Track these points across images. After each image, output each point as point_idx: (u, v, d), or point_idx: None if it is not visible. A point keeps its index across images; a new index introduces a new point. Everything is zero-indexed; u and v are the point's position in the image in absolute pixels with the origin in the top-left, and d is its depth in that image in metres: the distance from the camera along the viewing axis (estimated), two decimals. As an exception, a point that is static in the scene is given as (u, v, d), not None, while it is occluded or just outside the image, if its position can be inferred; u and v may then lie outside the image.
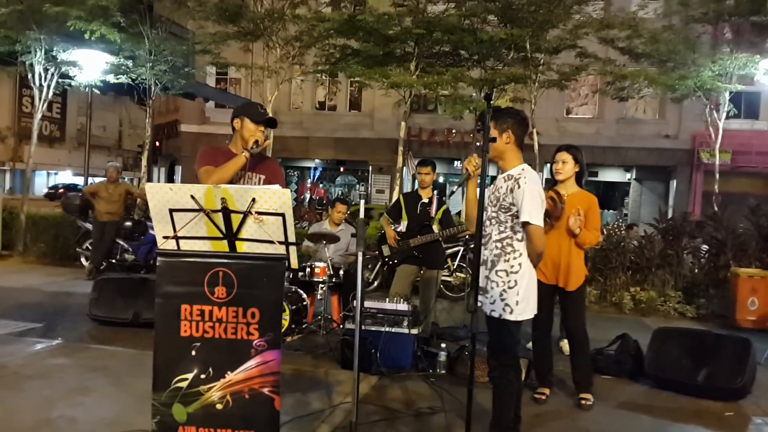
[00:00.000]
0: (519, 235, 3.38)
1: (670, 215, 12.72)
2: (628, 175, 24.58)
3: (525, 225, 3.33)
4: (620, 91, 13.45)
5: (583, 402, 4.63)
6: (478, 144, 13.25)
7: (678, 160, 22.71)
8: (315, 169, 28.42)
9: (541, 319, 4.79)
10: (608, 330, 6.40)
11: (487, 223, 3.48)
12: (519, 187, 3.34)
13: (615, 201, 24.56)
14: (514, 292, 3.35)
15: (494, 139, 3.38)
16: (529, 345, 6.30)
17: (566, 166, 4.64)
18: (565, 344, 6.33)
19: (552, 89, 13.40)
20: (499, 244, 3.40)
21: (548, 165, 5.75)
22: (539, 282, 4.74)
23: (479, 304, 3.39)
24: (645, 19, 12.53)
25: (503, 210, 3.39)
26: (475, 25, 12.02)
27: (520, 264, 3.38)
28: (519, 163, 3.47)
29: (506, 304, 3.36)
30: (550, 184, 4.81)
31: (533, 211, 3.30)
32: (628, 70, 12.66)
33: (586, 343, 4.78)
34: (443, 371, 5.24)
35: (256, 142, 3.47)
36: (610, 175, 24.16)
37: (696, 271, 9.19)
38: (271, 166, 3.74)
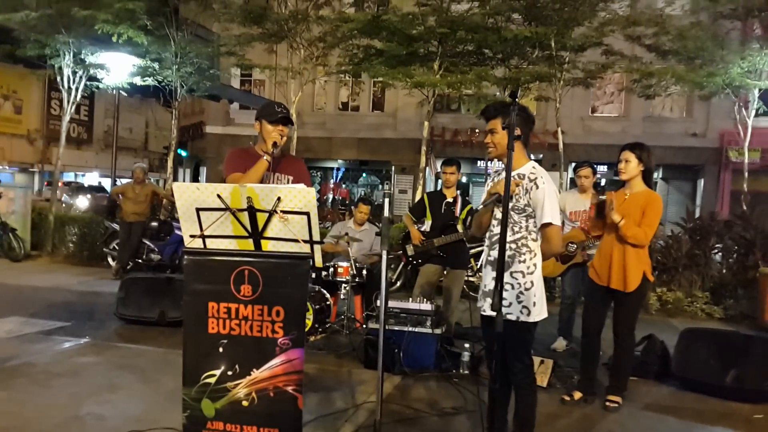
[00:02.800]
0: (534, 235, 3.32)
1: (697, 215, 12.52)
2: (655, 175, 24.22)
3: (545, 226, 3.27)
4: (647, 89, 13.25)
5: (608, 404, 4.58)
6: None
7: (706, 158, 22.35)
8: (338, 169, 28.50)
9: (590, 323, 4.74)
10: (635, 331, 6.31)
11: (495, 222, 3.40)
12: (537, 187, 3.26)
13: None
14: (532, 293, 3.28)
15: (519, 137, 3.31)
16: (554, 345, 6.31)
17: (629, 165, 4.51)
18: (559, 344, 6.30)
19: (577, 87, 13.27)
20: (513, 245, 3.31)
21: (573, 164, 5.71)
22: (592, 282, 4.72)
23: (490, 306, 3.33)
24: (672, 16, 12.34)
25: (516, 211, 3.29)
26: (499, 24, 11.94)
27: (535, 264, 3.32)
28: (526, 161, 3.38)
29: (524, 306, 3.29)
30: (618, 184, 4.72)
31: (554, 212, 3.26)
32: (654, 67, 12.48)
33: (628, 348, 4.70)
34: (466, 371, 5.22)
35: (275, 143, 3.49)
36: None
37: (724, 271, 9.04)
38: (297, 165, 3.76)
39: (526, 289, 3.29)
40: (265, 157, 3.43)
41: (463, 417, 4.22)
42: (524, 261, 3.30)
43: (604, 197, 4.65)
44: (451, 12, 12.20)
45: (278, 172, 3.60)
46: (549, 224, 3.25)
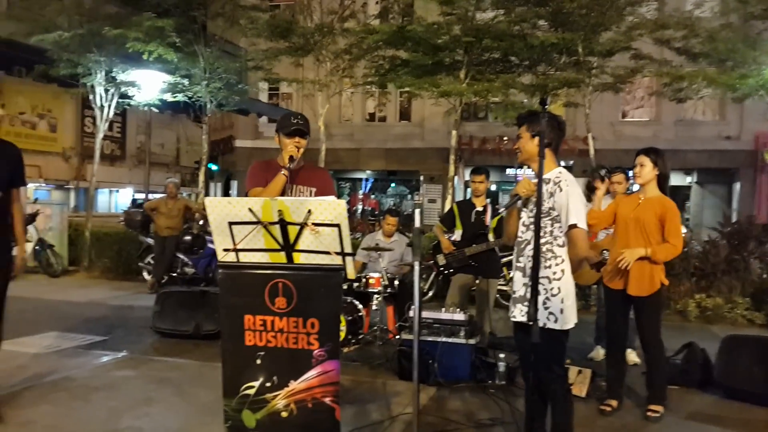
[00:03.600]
0: (560, 240, 3.28)
1: (734, 219, 12.24)
2: (689, 179, 23.80)
3: (570, 228, 3.23)
4: (678, 93, 13.04)
5: (649, 414, 4.48)
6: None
7: (740, 162, 21.89)
8: (366, 180, 28.58)
9: (612, 329, 4.69)
10: (673, 338, 6.17)
11: (523, 229, 3.39)
12: (561, 190, 3.25)
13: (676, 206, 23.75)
14: (558, 299, 3.23)
15: (549, 144, 3.30)
16: (591, 355, 6.20)
17: (644, 170, 4.47)
18: (597, 353, 6.19)
19: (606, 92, 13.12)
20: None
21: (604, 170, 5.64)
22: (609, 290, 4.66)
23: (520, 313, 3.32)
24: (701, 18, 12.15)
25: (542, 215, 3.23)
26: (525, 31, 11.88)
27: (562, 270, 3.27)
28: (554, 166, 3.36)
29: (550, 313, 3.23)
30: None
31: (579, 214, 3.22)
32: (685, 70, 12.27)
33: (658, 355, 4.60)
34: (502, 382, 5.16)
35: (291, 157, 3.44)
36: (670, 179, 23.39)
37: (764, 276, 8.82)
38: (321, 176, 3.72)
39: (553, 296, 3.24)
40: (282, 172, 3.41)
41: (500, 429, 4.17)
42: (550, 266, 3.26)
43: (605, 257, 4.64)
44: (476, 20, 12.18)
45: (299, 183, 3.55)
46: (574, 226, 3.21)
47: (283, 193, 3.41)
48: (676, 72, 12.29)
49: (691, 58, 12.47)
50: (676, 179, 23.48)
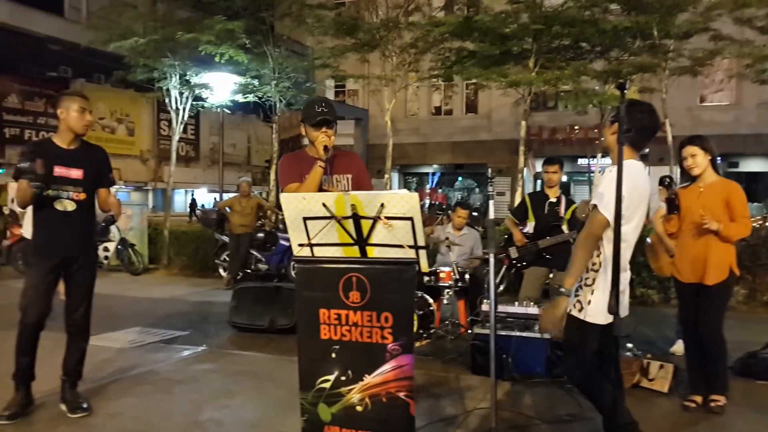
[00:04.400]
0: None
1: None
2: (775, 164, 22.60)
3: (592, 208, 3.11)
4: (761, 74, 12.38)
5: (712, 404, 4.29)
6: (597, 142, 12.59)
7: (829, 145, 20.58)
8: (433, 174, 28.48)
9: (688, 323, 4.51)
10: (760, 332, 5.89)
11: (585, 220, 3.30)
12: (603, 173, 3.17)
13: (759, 192, 22.62)
14: (589, 289, 3.14)
15: (629, 130, 3.13)
16: (672, 349, 5.97)
17: (697, 159, 4.33)
18: (678, 347, 5.93)
19: (684, 77, 12.58)
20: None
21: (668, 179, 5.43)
22: (678, 282, 4.47)
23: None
24: (787, -6, 11.48)
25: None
26: (597, 16, 11.53)
27: (601, 262, 3.14)
28: (630, 157, 3.16)
29: (578, 300, 3.16)
30: (686, 178, 4.49)
31: (603, 198, 3.02)
32: (768, 50, 11.65)
33: (718, 351, 4.35)
34: (580, 377, 5.02)
35: (326, 148, 3.40)
36: (753, 165, 22.23)
37: None
38: (354, 162, 3.68)
39: (586, 285, 3.16)
40: (318, 164, 3.37)
41: (578, 425, 4.06)
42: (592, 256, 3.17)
43: (675, 191, 4.40)
44: (544, 7, 11.90)
45: (336, 173, 3.53)
46: (594, 207, 3.09)
47: (321, 185, 3.40)
48: (759, 52, 11.66)
49: (776, 36, 11.82)
50: (759, 165, 22.29)
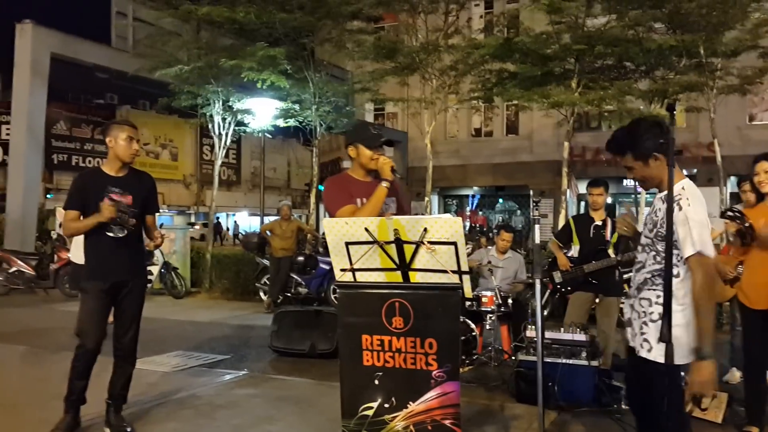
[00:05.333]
0: (676, 270, 2.74)
1: None
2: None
3: (689, 258, 2.70)
4: (813, 92, 12.02)
5: None
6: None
7: None
8: (473, 196, 28.31)
9: (752, 351, 4.29)
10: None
11: (639, 249, 2.97)
12: (681, 209, 2.71)
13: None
14: (656, 326, 2.74)
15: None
16: (726, 377, 5.72)
17: None
18: (732, 376, 5.67)
19: (732, 95, 12.27)
20: (648, 274, 2.86)
21: (732, 178, 5.19)
22: (745, 308, 4.25)
23: (630, 338, 2.94)
24: (839, 9, 11.15)
25: (660, 238, 2.78)
26: (641, 35, 11.35)
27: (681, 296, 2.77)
28: (680, 178, 2.85)
29: (645, 340, 2.80)
30: (736, 200, 4.30)
31: (700, 238, 2.68)
32: (821, 67, 11.30)
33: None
34: (629, 407, 4.83)
35: (393, 169, 3.31)
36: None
37: None
38: (395, 185, 3.55)
39: (651, 321, 2.80)
40: (383, 184, 3.27)
41: (630, 457, 3.89)
42: (655, 289, 2.82)
43: (747, 223, 4.12)
44: (587, 27, 11.79)
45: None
46: (698, 254, 2.68)
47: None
48: (811, 69, 11.33)
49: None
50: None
